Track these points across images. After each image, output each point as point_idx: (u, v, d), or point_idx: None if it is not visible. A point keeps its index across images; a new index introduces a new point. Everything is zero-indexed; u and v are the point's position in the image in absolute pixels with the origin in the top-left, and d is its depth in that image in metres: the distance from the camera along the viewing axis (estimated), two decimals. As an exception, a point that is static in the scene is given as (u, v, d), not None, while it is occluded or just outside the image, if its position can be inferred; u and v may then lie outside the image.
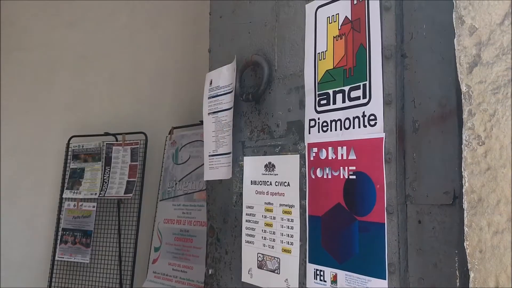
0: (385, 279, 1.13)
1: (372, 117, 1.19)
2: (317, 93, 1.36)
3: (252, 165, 1.65)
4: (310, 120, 1.38)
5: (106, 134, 3.91)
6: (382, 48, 1.18)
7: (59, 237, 3.84)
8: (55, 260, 3.87)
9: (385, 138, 1.16)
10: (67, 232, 3.81)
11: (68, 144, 4.03)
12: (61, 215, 3.90)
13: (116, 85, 4.18)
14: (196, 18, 3.69)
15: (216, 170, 1.83)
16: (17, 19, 4.32)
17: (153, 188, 3.82)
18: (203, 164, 3.16)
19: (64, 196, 3.92)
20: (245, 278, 1.64)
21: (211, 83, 1.90)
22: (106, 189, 3.76)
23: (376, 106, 1.18)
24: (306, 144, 1.39)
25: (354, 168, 1.23)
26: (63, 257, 3.79)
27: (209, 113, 1.89)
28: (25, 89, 4.26)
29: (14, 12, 4.32)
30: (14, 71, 4.27)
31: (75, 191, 3.87)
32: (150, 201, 3.82)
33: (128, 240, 3.84)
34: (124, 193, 3.68)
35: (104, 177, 3.81)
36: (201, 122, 3.30)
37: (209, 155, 1.88)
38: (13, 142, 4.19)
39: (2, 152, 4.15)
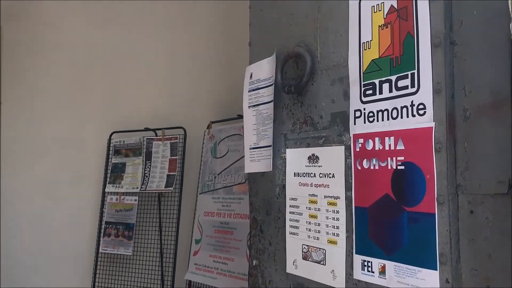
0: (436, 270, 1.12)
1: (421, 106, 1.17)
2: (362, 83, 1.35)
3: (295, 157, 1.65)
4: (355, 110, 1.37)
5: (146, 129, 3.99)
6: (430, 36, 1.15)
7: (102, 230, 3.95)
8: (99, 253, 3.99)
9: (434, 127, 1.14)
10: (110, 225, 3.91)
11: (109, 139, 4.14)
12: (104, 209, 4.01)
13: (154, 82, 4.26)
14: (232, 12, 3.71)
15: (258, 162, 1.84)
16: (55, 19, 4.43)
17: (192, 181, 3.88)
18: (242, 157, 3.19)
19: (106, 190, 4.03)
20: (290, 269, 1.65)
21: (251, 77, 1.91)
22: (147, 183, 3.84)
23: (425, 95, 1.16)
24: (351, 135, 1.38)
25: (402, 158, 1.21)
26: (107, 250, 3.90)
27: (249, 106, 1.90)
28: (66, 87, 4.38)
29: (50, 12, 4.43)
30: (53, 71, 4.39)
31: (117, 185, 3.97)
32: (190, 194, 3.88)
33: (168, 232, 3.92)
34: (165, 187, 3.75)
35: (145, 171, 3.89)
36: (239, 116, 3.35)
37: (250, 148, 1.89)
38: (57, 139, 4.33)
39: (47, 148, 4.29)
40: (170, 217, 3.92)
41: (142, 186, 3.85)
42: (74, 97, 4.35)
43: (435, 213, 1.13)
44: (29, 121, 4.30)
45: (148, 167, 3.90)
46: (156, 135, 4.00)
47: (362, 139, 1.33)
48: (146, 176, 3.88)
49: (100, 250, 3.94)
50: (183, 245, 3.78)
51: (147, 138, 3.96)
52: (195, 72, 4.06)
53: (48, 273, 4.20)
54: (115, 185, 3.99)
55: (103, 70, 4.37)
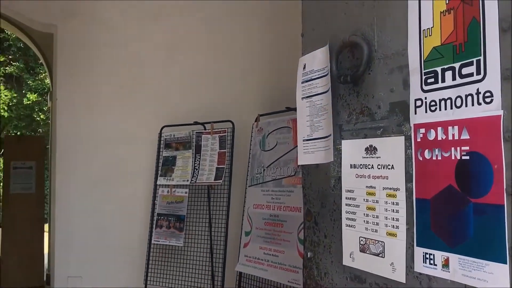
0: (506, 263, 1.08)
1: (487, 94, 1.13)
2: (423, 71, 1.32)
3: (351, 149, 1.63)
4: (416, 100, 1.33)
5: (196, 123, 4.05)
6: (498, 20, 1.11)
7: (154, 222, 4.05)
8: (152, 244, 4.09)
9: (503, 116, 1.09)
10: (162, 217, 4.01)
11: (160, 133, 4.23)
12: (156, 201, 4.11)
13: (203, 75, 4.31)
14: (280, 5, 3.70)
15: (312, 154, 1.83)
16: (108, 17, 4.55)
17: (241, 174, 3.91)
18: (291, 150, 3.19)
19: (158, 183, 4.13)
20: (347, 261, 1.64)
21: (304, 68, 1.89)
22: (197, 175, 3.90)
23: (493, 82, 1.12)
24: (412, 125, 1.35)
25: (467, 148, 1.17)
26: (159, 241, 4.00)
27: (303, 98, 1.89)
28: (119, 83, 4.50)
29: (103, 10, 4.55)
30: (106, 67, 4.51)
31: (168, 178, 4.06)
32: (238, 187, 3.91)
33: (218, 224, 3.98)
34: (214, 180, 3.80)
35: (195, 164, 3.95)
36: (287, 109, 3.34)
37: (304, 140, 1.88)
38: (110, 133, 4.46)
39: (101, 143, 4.42)
40: (219, 209, 3.97)
41: (192, 179, 3.92)
42: (126, 93, 4.47)
43: (504, 205, 1.09)
44: (83, 117, 4.44)
45: (197, 160, 3.96)
46: (205, 129, 4.05)
47: (424, 129, 1.30)
48: (196, 169, 3.94)
49: (153, 241, 4.05)
50: (232, 237, 3.83)
51: (196, 132, 4.02)
52: (243, 66, 4.08)
53: (102, 263, 4.35)
54: (166, 177, 4.08)
55: (154, 66, 4.46)
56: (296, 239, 2.99)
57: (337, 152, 1.71)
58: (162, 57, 4.46)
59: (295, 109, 3.24)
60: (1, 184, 7.47)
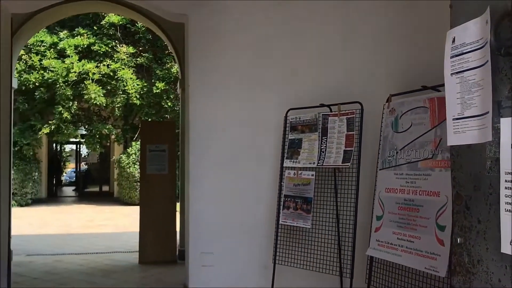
0: None
1: None
2: None
3: (515, 127, 1.49)
4: None
5: (322, 105, 4.03)
6: None
7: (282, 203, 4.13)
8: (279, 224, 4.18)
9: None
10: (289, 199, 4.07)
11: (285, 116, 4.28)
12: (282, 183, 4.18)
13: (328, 57, 4.26)
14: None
15: (463, 134, 1.71)
16: (235, 3, 4.67)
17: (369, 157, 3.82)
18: (429, 131, 3.01)
19: (284, 165, 4.19)
20: (505, 249, 1.51)
21: (453, 41, 1.76)
22: (324, 158, 3.89)
23: None
24: None
25: None
26: (286, 222, 4.07)
27: (452, 74, 1.76)
28: (246, 68, 4.62)
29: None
30: (234, 53, 4.65)
31: (294, 160, 4.10)
32: (367, 170, 3.82)
33: (345, 207, 3.93)
34: (342, 162, 3.75)
35: (321, 147, 3.94)
36: (424, 88, 3.17)
37: (453, 119, 1.76)
38: (238, 116, 4.61)
39: (230, 126, 4.60)
40: (347, 192, 3.92)
41: (319, 162, 3.91)
42: (253, 77, 4.58)
43: None
44: (213, 101, 4.64)
45: (324, 142, 3.94)
46: (331, 111, 4.01)
47: None
48: (323, 152, 3.92)
49: (280, 222, 4.13)
50: (360, 221, 3.76)
51: (322, 114, 4.00)
52: (371, 43, 3.95)
53: (232, 240, 4.55)
54: (292, 160, 4.13)
55: (280, 49, 4.51)
56: (434, 224, 2.84)
57: (495, 131, 1.57)
58: (286, 41, 4.49)
59: (432, 88, 3.09)
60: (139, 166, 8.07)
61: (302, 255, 4.13)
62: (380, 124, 3.62)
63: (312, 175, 3.96)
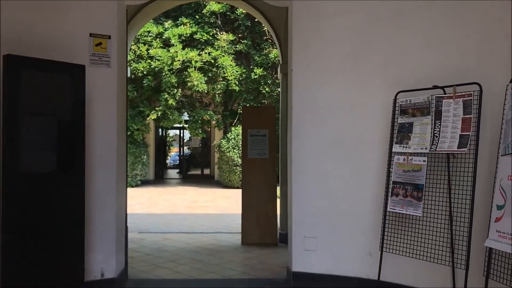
0: None
1: None
2: None
3: None
4: None
5: (435, 87, 3.81)
6: None
7: (390, 190, 3.99)
8: (387, 211, 4.06)
9: None
10: (398, 185, 3.92)
11: (395, 99, 4.11)
12: (390, 169, 4.04)
13: (442, 35, 4.00)
14: None
15: None
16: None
17: (488, 142, 3.57)
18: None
19: (393, 150, 4.04)
20: None
21: None
22: (437, 143, 3.68)
23: None
24: None
25: None
26: (395, 209, 3.94)
27: None
28: (348, 49, 4.50)
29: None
30: (336, 35, 4.55)
31: (405, 146, 3.94)
32: (485, 156, 3.57)
33: (459, 195, 3.71)
34: (457, 148, 3.53)
35: (434, 131, 3.74)
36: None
37: None
38: (342, 100, 4.51)
39: (333, 110, 4.52)
40: (462, 179, 3.69)
41: (432, 147, 3.71)
42: (358, 59, 4.45)
43: None
44: (316, 85, 4.59)
45: (437, 127, 3.73)
46: (445, 93, 3.77)
47: None
48: (436, 136, 3.72)
49: (388, 209, 4.00)
50: (477, 210, 3.53)
51: (436, 97, 3.78)
52: (489, 16, 3.63)
53: (335, 226, 4.50)
54: (402, 145, 3.96)
55: (385, 30, 4.32)
56: None
57: None
58: (391, 21, 4.28)
59: None
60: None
61: (410, 243, 3.98)
62: (501, 106, 3.35)
63: (424, 161, 3.77)
